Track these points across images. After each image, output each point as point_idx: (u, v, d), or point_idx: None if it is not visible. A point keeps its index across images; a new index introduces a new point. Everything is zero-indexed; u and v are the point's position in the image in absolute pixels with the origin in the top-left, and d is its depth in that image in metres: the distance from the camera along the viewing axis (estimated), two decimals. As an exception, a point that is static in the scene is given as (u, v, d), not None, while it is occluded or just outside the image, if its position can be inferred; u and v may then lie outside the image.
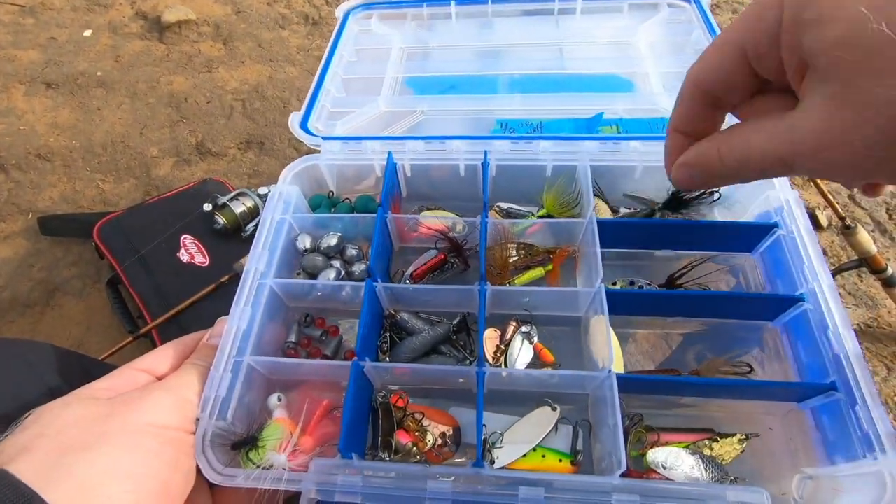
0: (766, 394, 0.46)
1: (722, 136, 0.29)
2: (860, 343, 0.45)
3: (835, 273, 1.14)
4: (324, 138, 0.64)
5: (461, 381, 0.52)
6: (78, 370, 0.56)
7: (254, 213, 1.34)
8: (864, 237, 1.03)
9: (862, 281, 1.33)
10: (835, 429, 0.43)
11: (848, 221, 1.03)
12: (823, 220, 1.33)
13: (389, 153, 0.60)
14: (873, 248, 1.04)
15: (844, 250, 1.37)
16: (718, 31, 0.73)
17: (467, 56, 0.81)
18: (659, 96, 0.68)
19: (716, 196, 0.57)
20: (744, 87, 0.29)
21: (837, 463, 0.42)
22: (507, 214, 0.63)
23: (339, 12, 0.83)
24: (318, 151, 0.65)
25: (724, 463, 0.45)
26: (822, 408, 0.45)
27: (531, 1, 0.82)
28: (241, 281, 0.53)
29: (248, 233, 1.32)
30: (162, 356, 0.48)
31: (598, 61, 0.76)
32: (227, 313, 0.52)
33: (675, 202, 0.57)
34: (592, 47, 0.79)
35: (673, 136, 0.33)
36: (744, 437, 0.46)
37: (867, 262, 1.05)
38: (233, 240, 1.32)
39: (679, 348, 0.55)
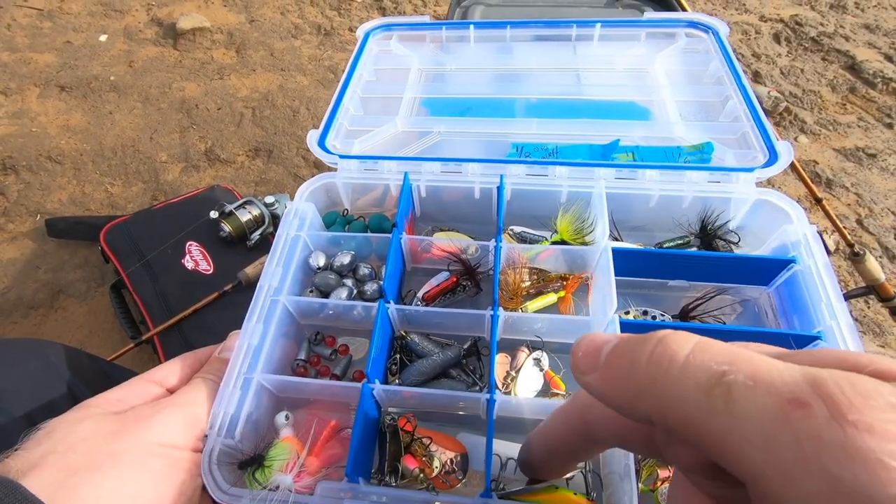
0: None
1: None
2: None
3: (842, 302, 1.15)
4: (341, 157, 0.65)
5: (461, 404, 0.51)
6: (97, 373, 0.56)
7: (259, 222, 1.34)
8: (873, 265, 1.03)
9: (869, 307, 1.33)
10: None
11: (857, 248, 1.03)
12: (831, 245, 1.33)
13: (406, 174, 0.61)
14: (882, 276, 1.04)
15: (852, 276, 1.37)
16: (736, 62, 0.73)
17: (485, 79, 0.81)
18: (676, 125, 0.68)
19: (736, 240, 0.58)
20: None
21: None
22: (520, 238, 0.63)
23: (360, 32, 0.84)
24: (333, 169, 0.65)
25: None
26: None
27: (549, 27, 0.83)
28: (255, 296, 0.53)
29: (254, 241, 1.32)
30: (174, 369, 0.48)
31: (615, 88, 0.77)
32: (229, 322, 0.52)
33: (704, 234, 0.57)
34: (609, 74, 0.80)
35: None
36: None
37: (875, 290, 1.05)
38: (238, 248, 1.33)
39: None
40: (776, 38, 2.13)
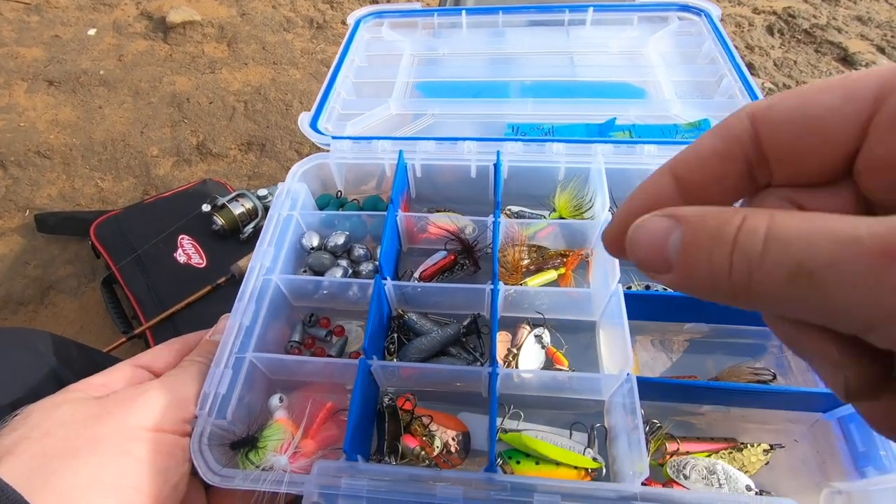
0: (790, 402, 0.45)
1: (756, 209, 0.18)
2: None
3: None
4: (334, 137, 0.63)
5: (458, 384, 0.50)
6: (86, 361, 0.54)
7: (252, 215, 1.33)
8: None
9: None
10: (864, 440, 0.42)
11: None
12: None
13: (401, 152, 0.60)
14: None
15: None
16: (729, 42, 0.73)
17: (478, 63, 0.81)
18: (671, 103, 0.67)
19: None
20: (823, 156, 0.19)
21: (868, 476, 0.41)
22: (518, 218, 0.62)
23: (351, 19, 0.83)
24: (326, 151, 0.64)
25: (748, 474, 0.44)
26: (850, 417, 0.43)
27: (541, 11, 0.82)
28: (246, 276, 0.52)
29: (247, 234, 1.31)
30: (161, 353, 0.46)
31: (609, 69, 0.76)
32: (223, 314, 0.50)
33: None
34: (603, 56, 0.79)
35: (662, 177, 0.21)
36: (769, 447, 0.45)
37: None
38: (231, 241, 1.31)
39: (694, 355, 0.54)
40: (769, 30, 2.13)
